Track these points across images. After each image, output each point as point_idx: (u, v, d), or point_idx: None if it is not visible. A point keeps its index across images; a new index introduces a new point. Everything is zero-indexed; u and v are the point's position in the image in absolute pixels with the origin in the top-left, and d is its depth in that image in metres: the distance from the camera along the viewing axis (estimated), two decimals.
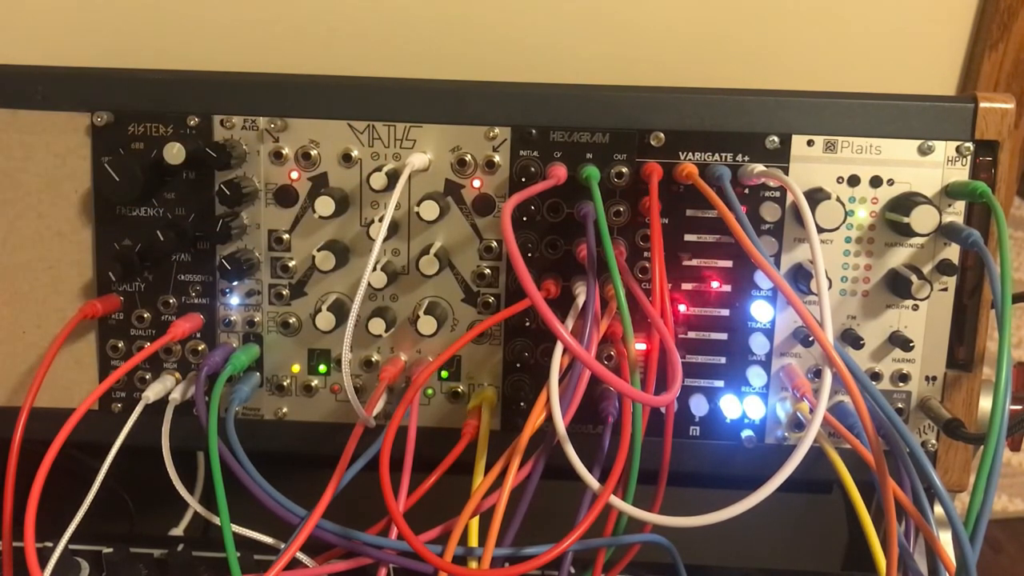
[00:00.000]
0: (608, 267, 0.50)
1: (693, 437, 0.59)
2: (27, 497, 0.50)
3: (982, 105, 0.55)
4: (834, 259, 0.57)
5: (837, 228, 0.54)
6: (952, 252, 0.57)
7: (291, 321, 0.59)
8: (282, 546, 0.53)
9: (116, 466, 0.52)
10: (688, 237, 0.57)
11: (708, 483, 0.58)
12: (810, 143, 0.56)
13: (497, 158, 0.56)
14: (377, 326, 0.56)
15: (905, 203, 0.55)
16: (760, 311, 0.58)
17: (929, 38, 0.76)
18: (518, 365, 0.59)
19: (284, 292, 0.59)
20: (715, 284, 0.57)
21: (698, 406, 0.58)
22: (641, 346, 0.55)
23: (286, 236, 0.58)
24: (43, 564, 0.51)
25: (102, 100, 0.57)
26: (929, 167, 0.56)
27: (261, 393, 0.60)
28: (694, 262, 0.58)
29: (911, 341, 0.57)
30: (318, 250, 0.56)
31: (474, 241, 0.58)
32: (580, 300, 0.53)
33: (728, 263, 0.57)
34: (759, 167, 0.55)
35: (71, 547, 0.57)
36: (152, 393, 0.57)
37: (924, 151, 0.56)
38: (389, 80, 0.58)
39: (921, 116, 0.56)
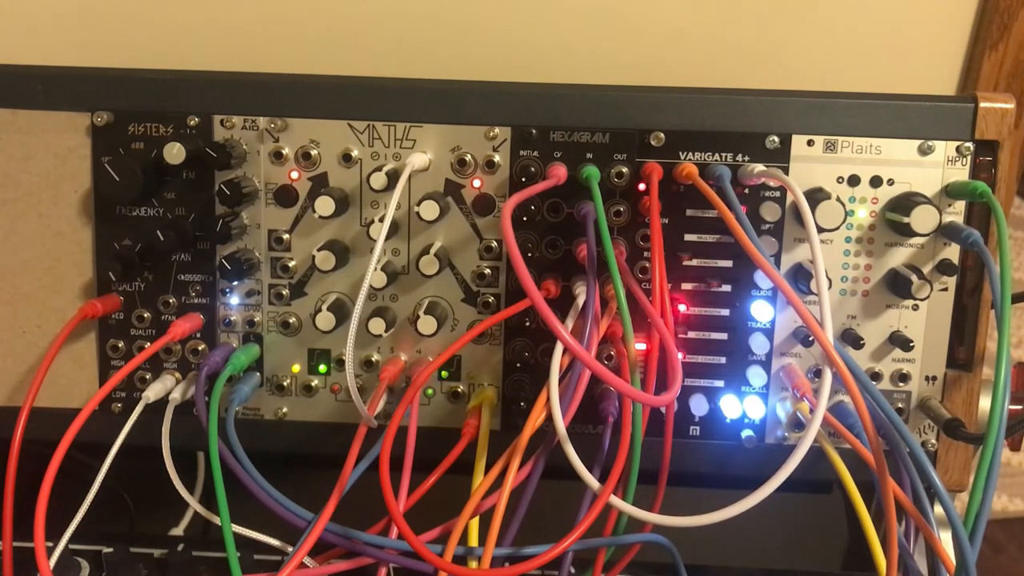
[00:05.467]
0: (608, 267, 0.50)
1: (693, 437, 0.59)
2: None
3: (982, 105, 0.55)
4: (834, 259, 0.57)
5: (837, 228, 0.54)
6: (952, 252, 0.57)
7: (291, 321, 0.59)
8: (282, 546, 0.53)
9: (116, 466, 0.52)
10: (688, 237, 0.57)
11: (708, 483, 0.58)
12: (810, 143, 0.56)
13: (497, 158, 0.56)
14: (377, 326, 0.56)
15: (905, 203, 0.55)
16: (760, 311, 0.58)
17: (929, 38, 0.76)
18: (518, 365, 0.59)
19: (284, 292, 0.59)
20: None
21: (698, 406, 0.58)
22: (641, 346, 0.55)
23: (286, 236, 0.58)
24: None
25: (102, 100, 0.57)
26: (929, 167, 0.56)
27: (261, 393, 0.60)
28: (694, 262, 0.58)
29: (911, 341, 0.57)
30: (318, 250, 0.56)
31: (474, 241, 0.58)
32: (580, 300, 0.53)
33: (728, 263, 0.57)
34: (759, 167, 0.55)
35: (71, 547, 0.57)
36: (152, 393, 0.57)
37: (924, 151, 0.56)
38: (389, 80, 0.58)
39: (921, 116, 0.56)
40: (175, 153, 0.55)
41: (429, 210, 0.55)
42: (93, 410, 0.51)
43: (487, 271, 0.58)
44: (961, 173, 0.56)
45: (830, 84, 0.61)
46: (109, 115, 0.57)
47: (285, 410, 0.60)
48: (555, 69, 0.76)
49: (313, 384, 0.59)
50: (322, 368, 0.60)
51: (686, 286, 0.58)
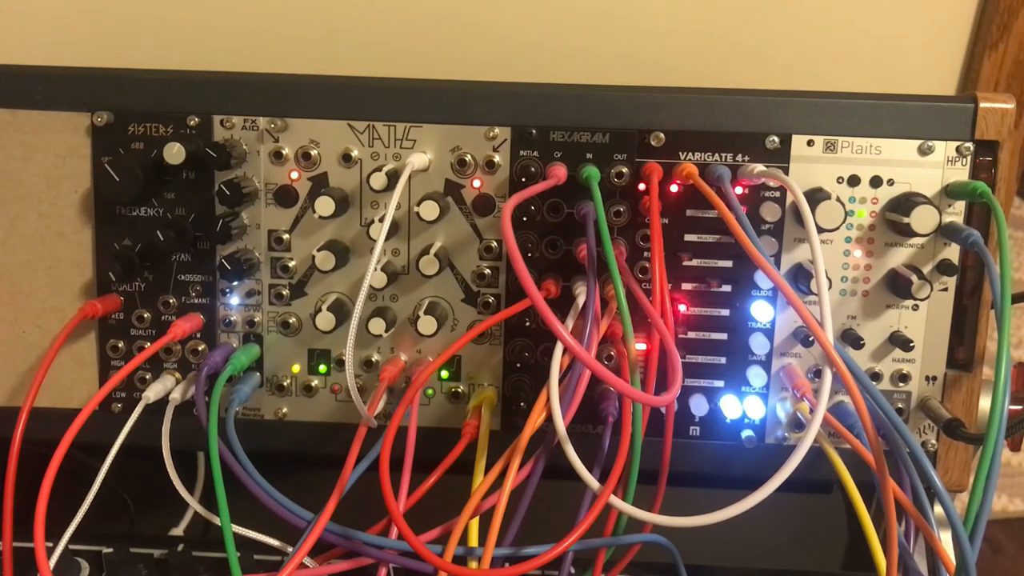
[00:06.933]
0: (608, 267, 0.50)
1: (693, 437, 0.59)
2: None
3: (982, 105, 0.55)
4: (834, 259, 0.57)
5: (837, 228, 0.54)
6: (952, 252, 0.57)
7: (291, 321, 0.59)
8: (282, 546, 0.53)
9: (116, 466, 0.52)
10: (688, 237, 0.57)
11: (708, 483, 0.58)
12: (810, 143, 0.56)
13: (497, 158, 0.56)
14: (377, 326, 0.56)
15: (905, 203, 0.55)
16: (760, 311, 0.58)
17: (929, 38, 0.76)
18: (518, 365, 0.59)
19: (284, 292, 0.59)
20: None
21: (698, 406, 0.58)
22: (641, 346, 0.55)
23: (286, 236, 0.58)
24: None
25: (102, 100, 0.57)
26: (929, 167, 0.56)
27: (261, 393, 0.60)
28: (694, 262, 0.58)
29: (911, 341, 0.57)
30: (318, 250, 0.56)
31: (474, 241, 0.58)
32: (580, 300, 0.53)
33: (728, 263, 0.57)
34: (759, 167, 0.55)
35: (71, 547, 0.57)
36: (152, 393, 0.57)
37: (924, 151, 0.56)
38: (389, 80, 0.58)
39: (921, 116, 0.56)
40: (175, 153, 0.55)
41: (429, 210, 0.55)
42: (93, 410, 0.51)
43: (487, 271, 0.58)
44: (961, 173, 0.56)
45: (830, 84, 0.61)
46: (109, 115, 0.57)
47: (285, 410, 0.60)
48: (555, 69, 0.76)
49: (313, 384, 0.59)
50: (322, 368, 0.60)
51: (686, 286, 0.58)
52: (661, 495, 0.54)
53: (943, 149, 0.56)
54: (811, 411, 0.56)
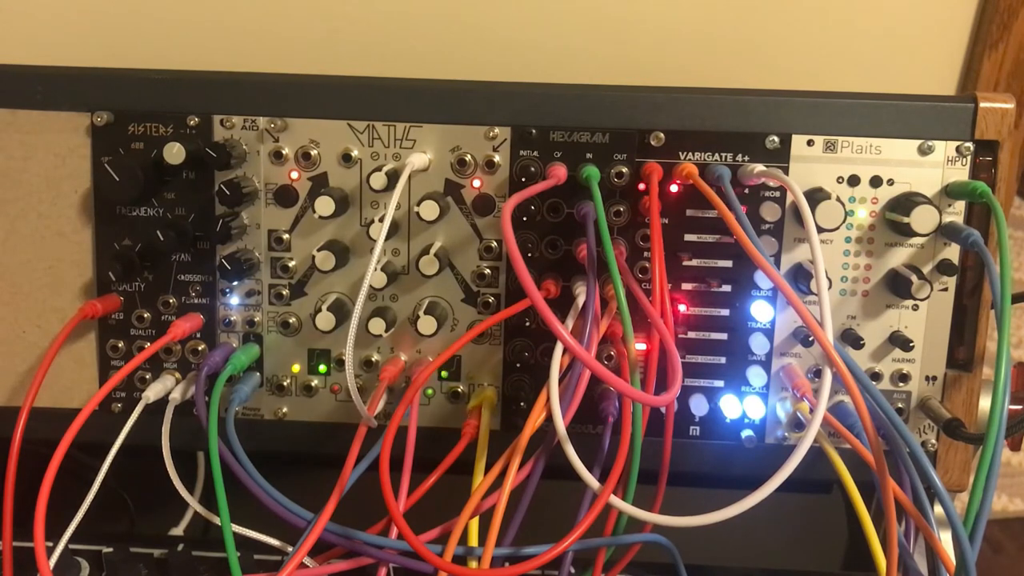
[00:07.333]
0: (608, 267, 0.50)
1: (693, 437, 0.59)
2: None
3: (982, 105, 0.55)
4: (834, 259, 0.57)
5: (837, 228, 0.54)
6: (952, 252, 0.57)
7: (291, 321, 0.59)
8: (282, 546, 0.53)
9: (116, 466, 0.52)
10: (688, 237, 0.57)
11: (708, 483, 0.58)
12: (810, 143, 0.56)
13: (497, 158, 0.56)
14: (377, 326, 0.56)
15: (905, 203, 0.55)
16: (760, 311, 0.58)
17: (929, 38, 0.76)
18: (518, 365, 0.59)
19: (284, 292, 0.59)
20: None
21: (698, 406, 0.58)
22: (641, 346, 0.55)
23: (286, 236, 0.58)
24: None
25: (102, 100, 0.57)
26: (929, 167, 0.56)
27: (261, 393, 0.60)
28: (694, 262, 0.58)
29: (911, 341, 0.57)
30: (318, 250, 0.56)
31: (474, 241, 0.58)
32: (580, 300, 0.53)
33: (728, 263, 0.57)
34: (759, 167, 0.55)
35: (71, 547, 0.57)
36: (152, 393, 0.57)
37: (924, 151, 0.56)
38: (389, 80, 0.58)
39: (921, 116, 0.56)
40: (175, 153, 0.55)
41: (429, 210, 0.55)
42: (93, 410, 0.51)
43: (487, 271, 0.58)
44: (961, 173, 0.56)
45: (830, 84, 0.61)
46: (109, 115, 0.57)
47: (285, 410, 0.60)
48: (555, 69, 0.76)
49: (313, 384, 0.59)
50: (322, 368, 0.60)
51: (686, 286, 0.58)
52: (661, 495, 0.54)
53: (943, 149, 0.56)
54: (811, 411, 0.56)
